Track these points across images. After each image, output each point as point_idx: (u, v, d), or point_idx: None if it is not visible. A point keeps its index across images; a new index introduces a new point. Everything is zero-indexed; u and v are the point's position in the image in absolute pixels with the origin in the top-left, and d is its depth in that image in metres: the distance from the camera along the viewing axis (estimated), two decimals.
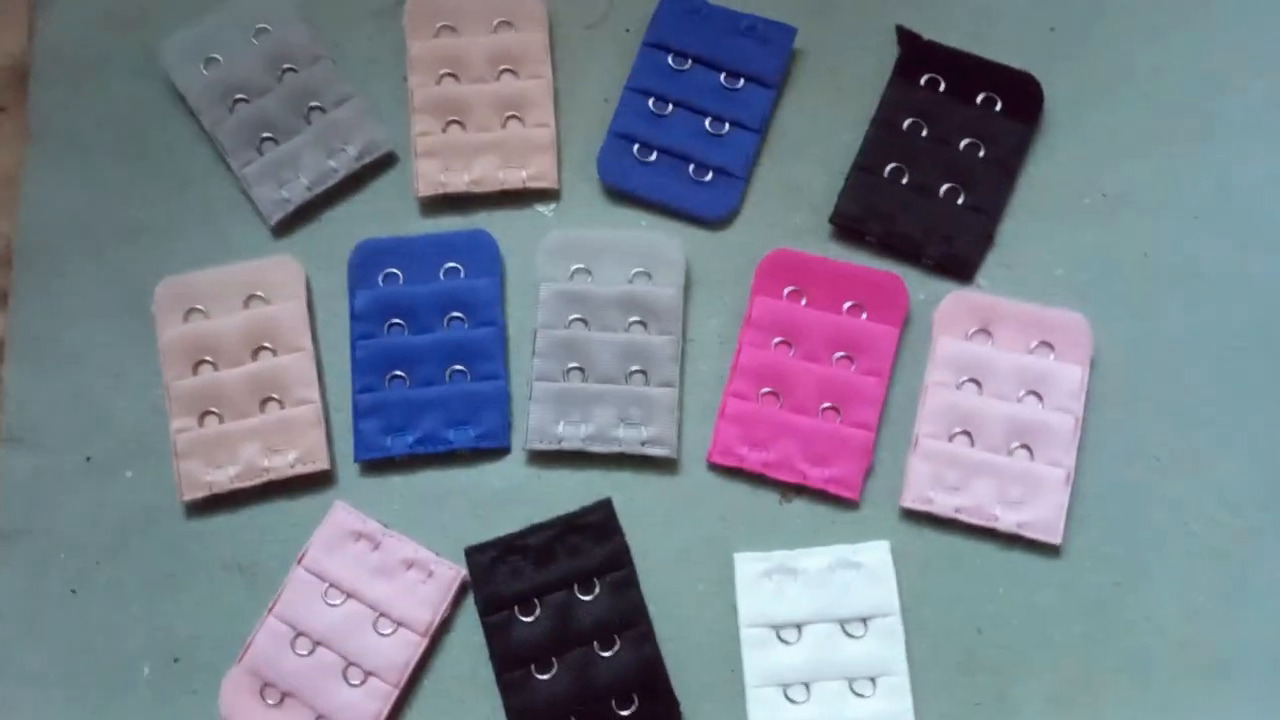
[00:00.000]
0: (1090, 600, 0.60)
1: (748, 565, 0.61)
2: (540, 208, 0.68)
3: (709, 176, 0.67)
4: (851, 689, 0.59)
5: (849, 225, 0.66)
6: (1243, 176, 0.67)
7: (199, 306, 0.65)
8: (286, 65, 0.69)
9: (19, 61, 0.71)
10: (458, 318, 0.65)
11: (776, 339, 0.64)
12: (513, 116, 0.68)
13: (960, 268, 0.65)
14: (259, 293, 0.65)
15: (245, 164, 0.67)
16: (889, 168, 0.66)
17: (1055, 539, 0.60)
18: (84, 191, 0.69)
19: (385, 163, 0.69)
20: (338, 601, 0.61)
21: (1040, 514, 0.61)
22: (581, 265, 0.65)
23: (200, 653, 0.61)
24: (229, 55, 0.68)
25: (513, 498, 0.63)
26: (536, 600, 0.60)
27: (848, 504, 0.63)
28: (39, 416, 0.65)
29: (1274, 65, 0.69)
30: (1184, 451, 0.63)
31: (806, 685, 0.59)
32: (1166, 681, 0.59)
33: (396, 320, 0.65)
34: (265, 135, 0.67)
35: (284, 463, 0.63)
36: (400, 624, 0.60)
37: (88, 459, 0.64)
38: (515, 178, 0.67)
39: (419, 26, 0.69)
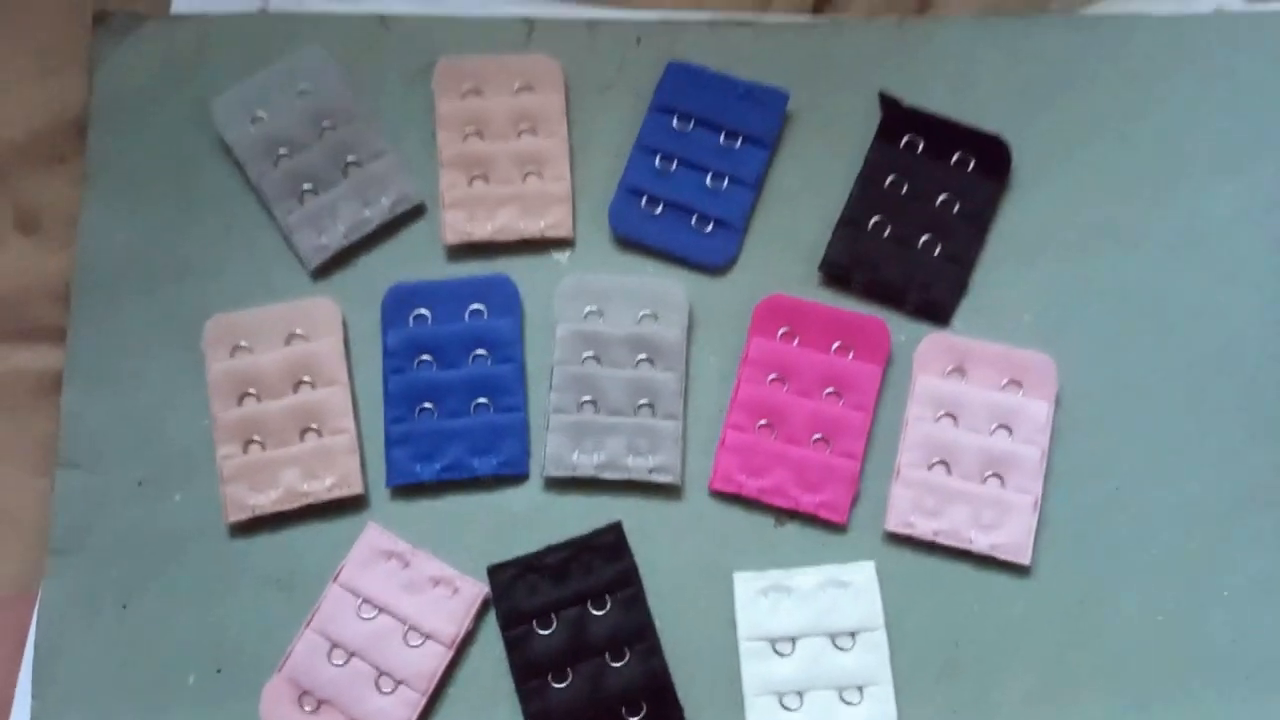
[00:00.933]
0: (1059, 614, 0.62)
1: (746, 583, 0.63)
2: (556, 255, 0.70)
3: (710, 227, 0.69)
4: (841, 697, 0.61)
5: (836, 273, 0.68)
6: (1210, 212, 0.69)
7: (244, 343, 0.67)
8: (326, 123, 0.70)
9: (79, 114, 0.74)
10: (481, 355, 0.67)
11: (771, 376, 0.67)
12: (532, 172, 0.70)
13: (937, 312, 0.68)
14: (299, 331, 0.67)
15: (288, 212, 0.69)
16: (872, 221, 0.68)
17: (1025, 559, 0.63)
18: (137, 233, 0.70)
19: (416, 213, 0.71)
20: (370, 615, 0.62)
21: (1011, 537, 0.63)
22: (594, 308, 0.68)
23: (242, 663, 0.63)
24: (274, 112, 0.70)
25: (531, 521, 0.65)
26: (553, 615, 0.62)
27: (836, 528, 0.65)
28: (94, 442, 0.67)
29: (1241, 106, 0.70)
30: (1144, 477, 0.64)
31: (800, 694, 0.61)
32: (1127, 687, 0.61)
33: (425, 357, 0.67)
34: (306, 187, 0.69)
35: (321, 487, 0.65)
36: (428, 636, 0.62)
37: (139, 483, 0.66)
38: (534, 227, 0.69)
39: (447, 89, 0.71)
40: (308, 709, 0.62)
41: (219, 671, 0.63)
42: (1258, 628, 0.63)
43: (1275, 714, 0.62)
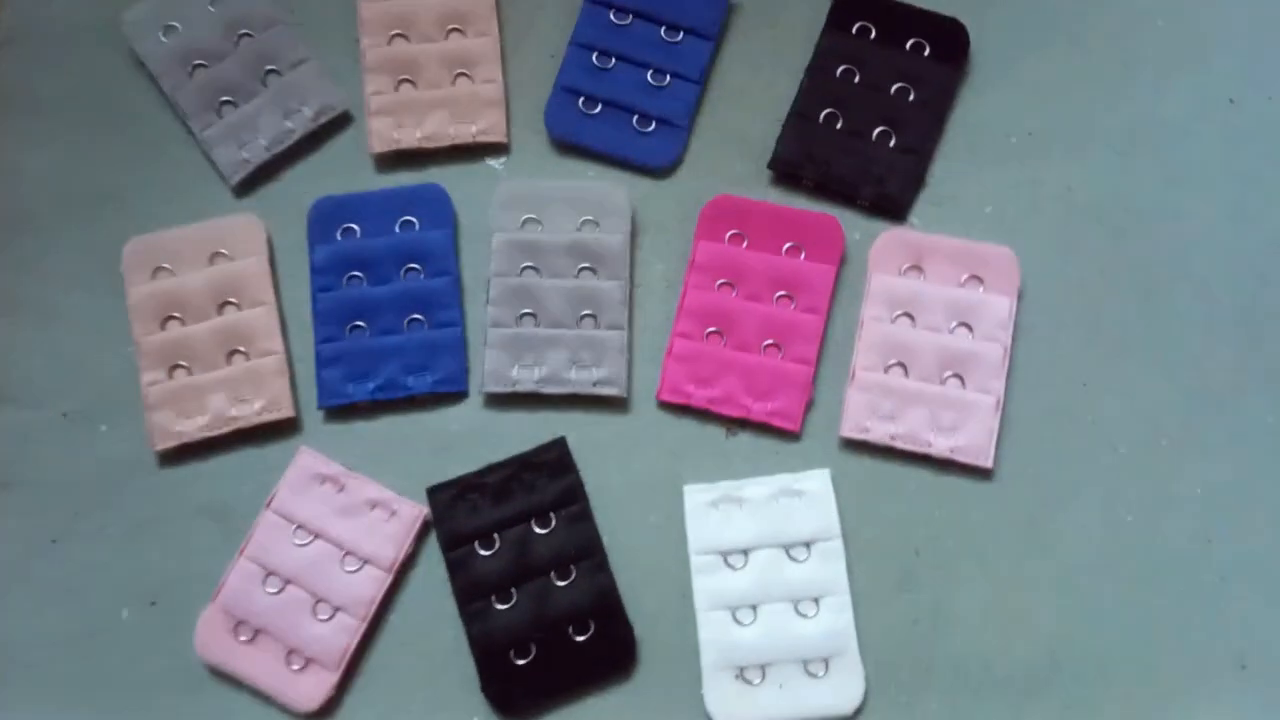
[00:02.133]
0: (1021, 519, 0.62)
1: (696, 496, 0.62)
2: (490, 161, 0.69)
3: (652, 127, 0.68)
4: (796, 610, 0.60)
5: (787, 170, 0.67)
6: (1163, 113, 0.68)
7: (165, 265, 0.66)
8: (243, 31, 0.69)
9: None
10: (414, 269, 0.66)
11: (720, 281, 0.65)
12: (462, 74, 0.69)
13: (893, 207, 0.67)
14: (223, 250, 0.66)
15: (206, 127, 0.68)
16: (824, 113, 0.67)
17: (986, 463, 0.62)
18: (54, 157, 0.69)
19: (340, 122, 0.69)
20: (305, 541, 0.62)
21: (972, 439, 0.62)
22: (532, 215, 0.66)
23: (176, 595, 0.62)
24: (188, 23, 0.69)
25: (470, 439, 0.64)
26: (496, 535, 0.61)
27: (789, 435, 0.64)
28: (16, 374, 0.66)
29: (1189, 9, 0.69)
30: (1108, 376, 0.64)
31: (753, 607, 0.60)
32: (1092, 594, 0.61)
33: (355, 273, 0.66)
34: (224, 99, 0.68)
35: (250, 411, 0.64)
36: (366, 561, 0.61)
37: (64, 414, 0.65)
38: (466, 133, 0.68)
39: None
40: (243, 638, 0.61)
41: (153, 604, 0.63)
42: (1226, 527, 0.62)
43: (1247, 618, 0.61)
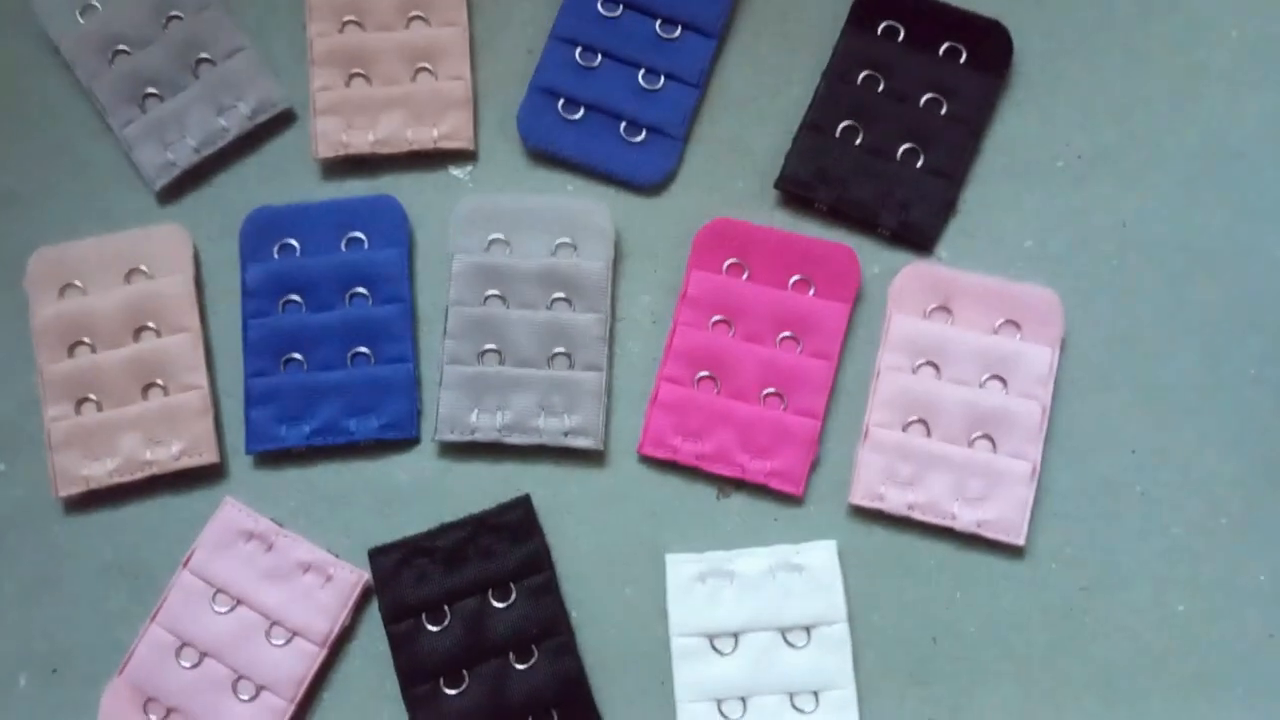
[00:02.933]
0: (1056, 607, 0.59)
1: (680, 567, 0.60)
2: (454, 170, 0.67)
3: (642, 136, 0.65)
4: (792, 704, 0.58)
5: (796, 191, 0.64)
6: (1232, 135, 0.65)
7: (76, 282, 0.63)
8: (172, 13, 0.67)
9: None
10: (360, 294, 0.64)
11: (715, 317, 0.63)
12: (423, 68, 0.66)
13: (918, 237, 0.64)
14: (142, 266, 0.64)
15: (126, 123, 0.65)
16: (841, 126, 0.65)
17: (1018, 539, 0.59)
18: None
19: (282, 121, 0.67)
20: (226, 609, 0.59)
21: (1002, 512, 0.59)
22: (499, 235, 0.64)
23: (80, 662, 0.60)
24: (108, 2, 0.66)
25: (421, 494, 0.62)
26: (446, 607, 0.59)
27: (791, 500, 0.61)
28: None
29: (1264, 18, 0.65)
30: (1162, 444, 0.61)
31: (743, 700, 0.58)
32: (1138, 697, 0.58)
33: (293, 296, 0.63)
34: (149, 91, 0.65)
35: (168, 455, 0.61)
36: (296, 633, 0.59)
37: None
38: (426, 137, 0.65)
39: None
40: (154, 717, 0.58)
41: (54, 672, 0.60)
42: None
43: None
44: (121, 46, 0.65)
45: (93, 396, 0.61)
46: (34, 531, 0.61)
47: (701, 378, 0.62)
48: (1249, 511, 0.60)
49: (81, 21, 0.66)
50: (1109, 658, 0.58)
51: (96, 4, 0.66)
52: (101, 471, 0.61)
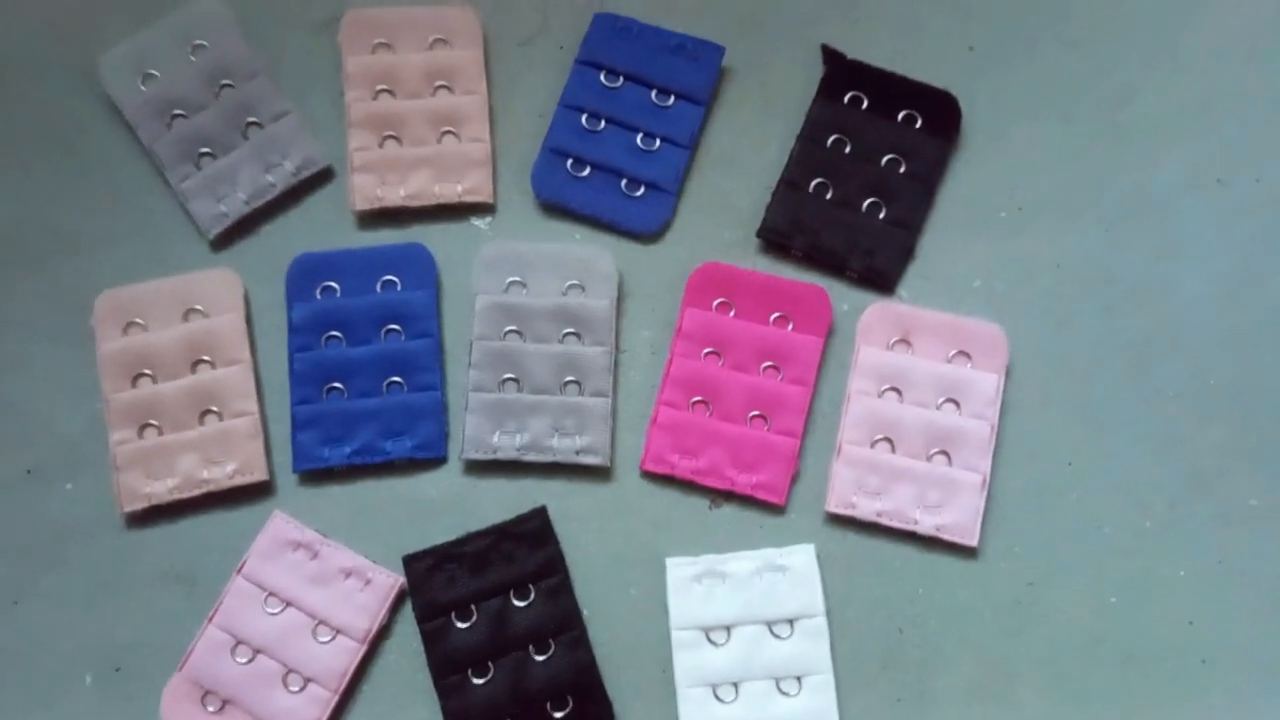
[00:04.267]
0: (1006, 599, 0.62)
1: (678, 570, 0.62)
2: (476, 221, 0.69)
3: (641, 191, 0.68)
4: (778, 688, 0.60)
5: (775, 239, 0.67)
6: (1152, 186, 0.68)
7: (138, 320, 0.65)
8: (224, 81, 0.69)
9: None
10: (394, 330, 0.65)
11: (706, 349, 0.65)
12: (448, 131, 0.69)
13: (882, 280, 0.67)
14: (198, 306, 0.65)
15: (183, 179, 0.67)
16: (814, 183, 0.67)
17: (972, 541, 0.62)
18: (22, 205, 0.69)
19: (322, 177, 0.69)
20: (276, 610, 0.61)
21: (957, 517, 0.62)
22: (516, 278, 0.66)
23: (141, 661, 0.61)
24: (167, 71, 0.68)
25: (449, 507, 0.64)
26: (473, 607, 0.61)
27: (774, 509, 0.64)
28: None
29: (1180, 78, 0.70)
30: (1095, 454, 0.64)
31: (735, 685, 0.60)
32: (1077, 676, 0.61)
33: (334, 333, 0.65)
34: (203, 150, 0.68)
35: (222, 474, 0.63)
36: (339, 631, 0.61)
37: (28, 471, 0.64)
38: (451, 192, 0.68)
39: (355, 43, 0.69)
40: (211, 709, 0.60)
41: (117, 670, 0.62)
42: (1208, 610, 0.62)
43: (1231, 701, 0.61)
44: (179, 111, 0.68)
45: (154, 422, 0.63)
46: (99, 543, 0.63)
47: (695, 402, 0.64)
48: (1171, 514, 0.63)
49: (143, 89, 0.68)
50: (1052, 642, 0.61)
51: (156, 73, 0.68)
52: (162, 489, 0.63)
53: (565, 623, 0.61)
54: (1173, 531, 0.63)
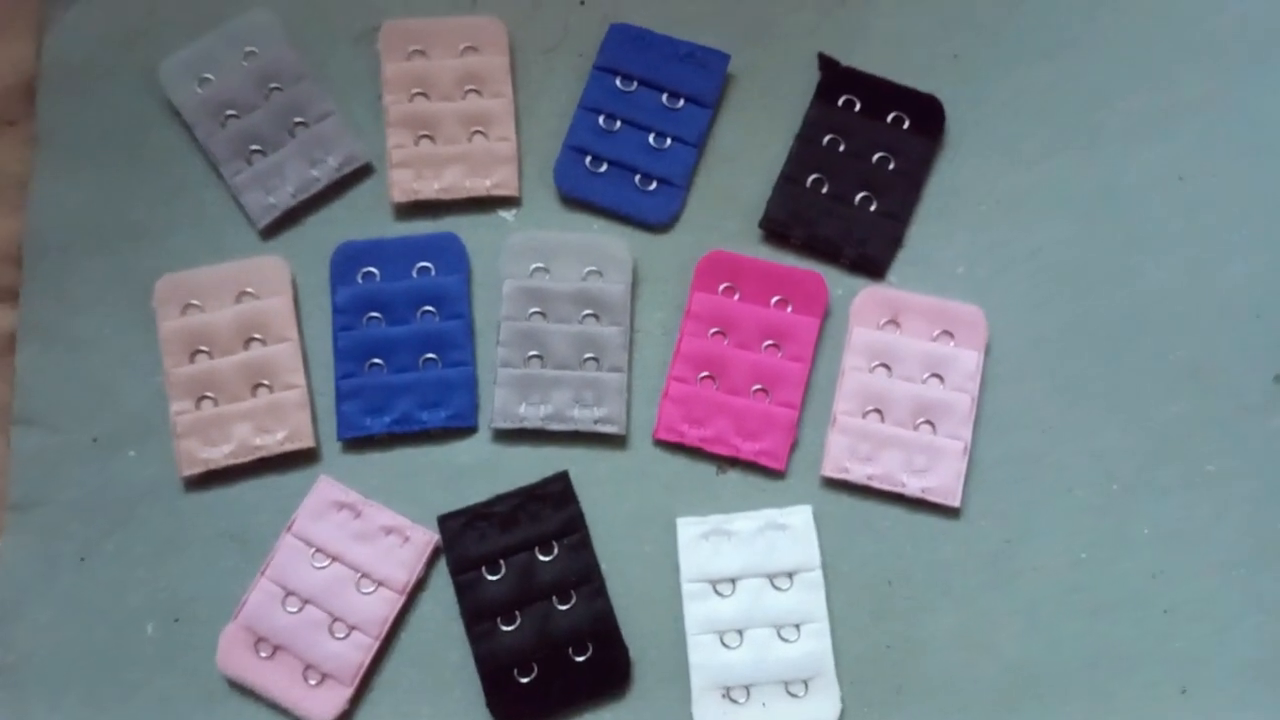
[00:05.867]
0: (986, 555, 0.64)
1: (688, 528, 0.64)
2: (503, 213, 0.71)
3: (653, 186, 0.70)
4: (779, 635, 0.63)
5: (776, 229, 0.69)
6: (1122, 180, 0.70)
7: (195, 301, 0.67)
8: (273, 84, 0.71)
9: (27, 77, 0.73)
10: (429, 311, 0.68)
11: (713, 329, 0.68)
12: (478, 131, 0.71)
13: (873, 267, 0.69)
14: (249, 289, 0.68)
15: (236, 173, 0.69)
16: (811, 178, 0.69)
17: (955, 502, 0.64)
18: (88, 195, 0.70)
19: (363, 172, 0.71)
20: (323, 564, 0.64)
21: (941, 480, 0.64)
22: (540, 264, 0.68)
23: (199, 612, 0.64)
24: (221, 75, 0.70)
25: (480, 471, 0.66)
26: (501, 561, 0.63)
27: (775, 474, 0.66)
28: (48, 400, 0.67)
29: (1149, 84, 0.72)
30: (1067, 424, 0.66)
31: (740, 632, 0.62)
32: (1052, 624, 0.63)
33: (374, 314, 0.68)
34: (254, 148, 0.70)
35: (273, 441, 0.66)
36: (380, 584, 0.63)
37: (94, 439, 0.67)
38: (480, 186, 0.70)
39: (393, 50, 0.71)
40: (263, 655, 0.63)
41: (176, 621, 0.64)
42: (1171, 564, 0.65)
43: (1190, 647, 0.63)
44: (231, 111, 0.70)
45: (210, 394, 0.66)
46: (160, 505, 0.66)
47: (703, 377, 0.67)
48: (1136, 477, 0.65)
49: (199, 91, 0.70)
50: (1028, 594, 0.63)
51: (211, 76, 0.70)
52: (218, 455, 0.65)
53: (585, 576, 0.63)
54: (1138, 494, 0.65)
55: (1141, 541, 0.65)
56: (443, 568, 0.65)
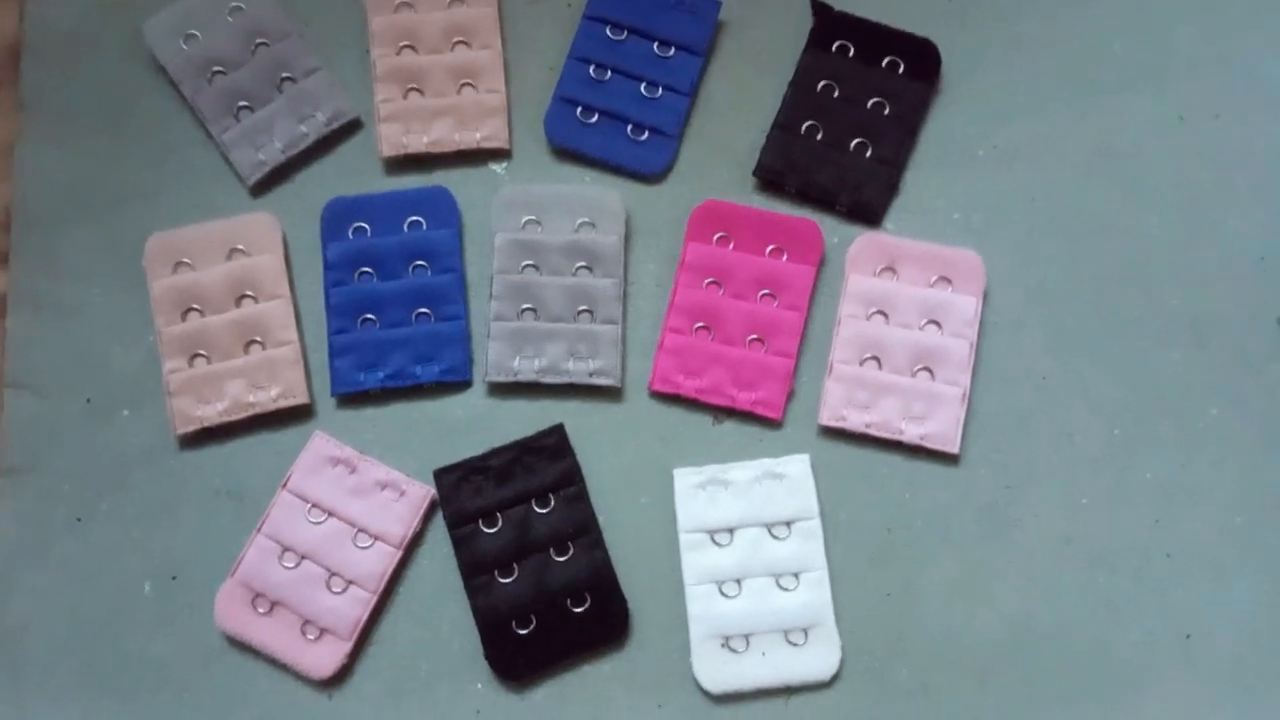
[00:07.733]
0: (984, 502, 0.65)
1: (685, 479, 0.65)
2: (493, 166, 0.71)
3: (645, 136, 0.70)
4: (778, 584, 0.63)
5: (770, 177, 0.70)
6: (1117, 130, 0.70)
7: (186, 260, 0.68)
8: (260, 40, 0.71)
9: (12, 40, 0.73)
10: (421, 265, 0.68)
11: (708, 279, 0.68)
12: (467, 84, 0.71)
13: (869, 213, 0.69)
14: (240, 246, 0.68)
15: (224, 130, 0.70)
16: (805, 125, 0.70)
17: (953, 449, 0.65)
18: (76, 158, 0.71)
19: (352, 127, 0.71)
20: (319, 520, 0.64)
21: (940, 427, 0.65)
22: (532, 217, 0.69)
23: (196, 570, 0.65)
24: (207, 32, 0.70)
25: (474, 425, 0.67)
26: (498, 514, 0.64)
27: (772, 423, 0.67)
28: (40, 363, 0.68)
29: (1143, 35, 0.72)
30: (1066, 372, 0.67)
31: (738, 581, 0.63)
32: (1051, 572, 0.64)
33: (366, 269, 0.68)
34: (242, 104, 0.70)
35: (267, 398, 0.66)
36: (377, 538, 0.64)
37: (88, 400, 0.67)
38: (470, 139, 0.70)
39: (380, 3, 0.71)
40: (261, 611, 0.64)
41: (174, 579, 0.65)
42: (1171, 511, 0.65)
43: (1191, 593, 0.64)
44: (218, 68, 0.70)
45: (203, 352, 0.66)
46: (156, 463, 0.66)
47: (698, 328, 0.67)
48: (1136, 425, 0.66)
49: (185, 48, 0.70)
50: (1027, 541, 0.64)
51: (197, 33, 0.70)
52: (212, 413, 0.66)
53: (583, 527, 0.64)
54: (1138, 441, 0.66)
55: (1142, 488, 0.66)
56: (439, 522, 0.65)
